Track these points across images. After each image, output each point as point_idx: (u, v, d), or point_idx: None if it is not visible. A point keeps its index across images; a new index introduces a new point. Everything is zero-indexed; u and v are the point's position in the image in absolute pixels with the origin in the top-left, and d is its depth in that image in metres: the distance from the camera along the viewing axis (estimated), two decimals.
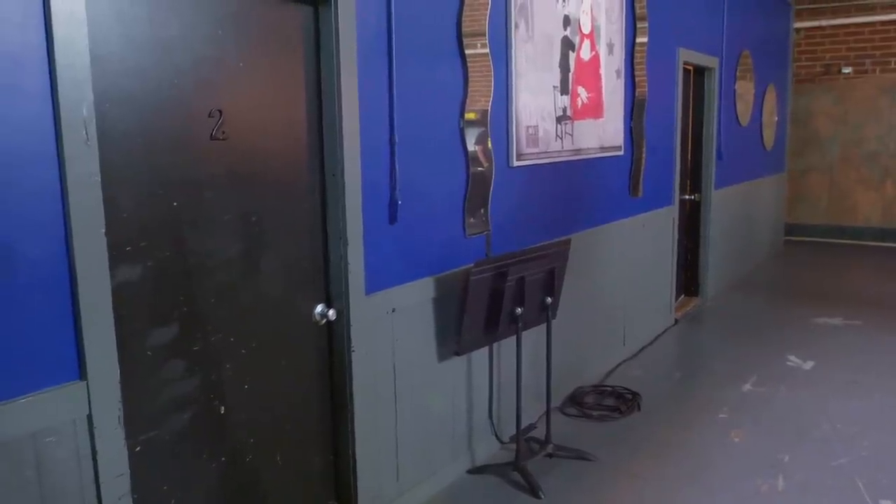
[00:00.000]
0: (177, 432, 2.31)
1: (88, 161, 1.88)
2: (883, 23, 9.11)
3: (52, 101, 1.82)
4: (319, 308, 2.74)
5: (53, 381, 1.89)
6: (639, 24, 4.90)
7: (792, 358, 5.08)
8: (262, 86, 2.49)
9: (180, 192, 2.24)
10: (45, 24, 1.79)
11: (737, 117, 7.19)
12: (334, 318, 2.77)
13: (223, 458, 2.46)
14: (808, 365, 4.94)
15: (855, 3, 9.19)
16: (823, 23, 9.42)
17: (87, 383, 1.94)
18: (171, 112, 2.19)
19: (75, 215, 1.86)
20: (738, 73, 7.08)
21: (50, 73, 1.81)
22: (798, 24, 9.42)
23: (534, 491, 3.29)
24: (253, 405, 2.55)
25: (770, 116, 8.38)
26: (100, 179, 1.91)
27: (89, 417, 1.96)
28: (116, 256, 2.04)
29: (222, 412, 2.44)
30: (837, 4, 9.30)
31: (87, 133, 1.87)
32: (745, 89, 7.36)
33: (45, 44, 1.80)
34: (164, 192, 2.19)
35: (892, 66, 9.16)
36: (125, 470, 2.06)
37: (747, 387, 4.57)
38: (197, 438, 2.38)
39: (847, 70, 9.41)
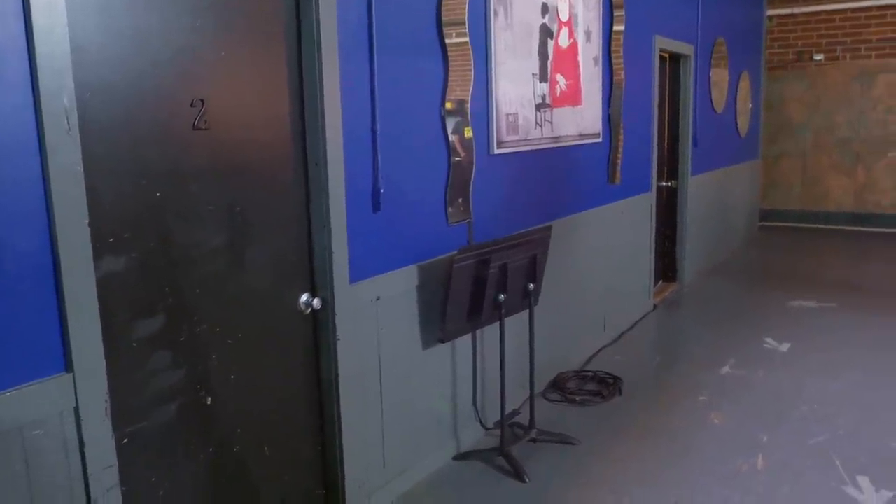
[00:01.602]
0: (164, 424, 2.30)
1: (71, 151, 1.86)
2: (853, 10, 9.23)
3: (33, 90, 1.80)
4: (304, 297, 2.74)
5: (39, 373, 1.87)
6: (616, 12, 4.93)
7: (769, 340, 5.17)
8: (245, 76, 2.48)
9: (163, 182, 2.22)
10: (24, 13, 1.77)
11: (712, 104, 7.26)
12: (319, 307, 2.77)
13: (210, 449, 2.46)
14: (785, 347, 5.03)
15: None
16: (795, 10, 9.53)
17: (74, 375, 1.93)
18: (153, 102, 2.17)
19: (58, 206, 1.85)
20: (712, 61, 7.15)
21: (30, 62, 1.79)
22: (770, 12, 9.52)
23: (519, 475, 3.32)
24: (240, 395, 2.54)
25: (744, 103, 8.47)
26: (82, 169, 1.90)
27: (76, 409, 1.95)
28: (100, 248, 2.02)
29: (209, 403, 2.43)
30: None
31: (68, 122, 1.85)
32: (719, 76, 7.43)
33: (24, 33, 1.78)
34: (147, 183, 2.17)
35: (863, 52, 9.30)
36: (113, 462, 2.05)
37: (726, 370, 4.64)
38: (184, 429, 2.37)
39: (819, 57, 9.53)
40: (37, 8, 1.77)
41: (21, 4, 1.76)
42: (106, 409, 2.02)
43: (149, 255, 2.19)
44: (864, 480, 3.23)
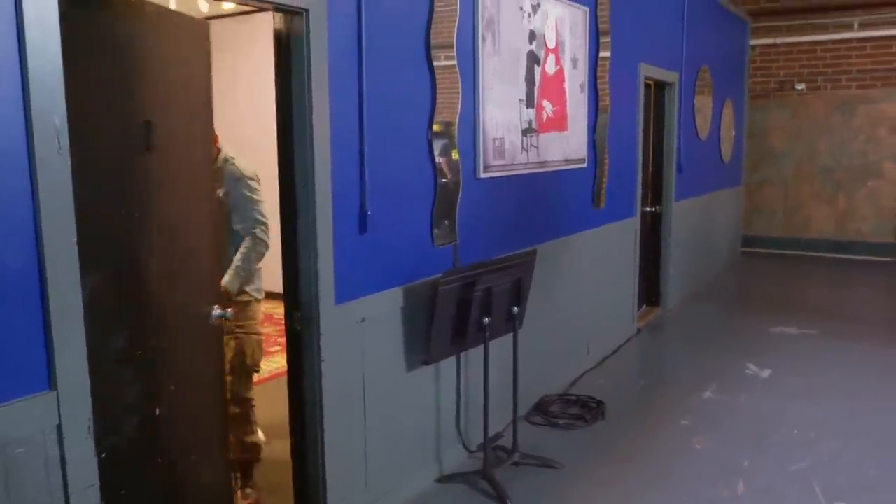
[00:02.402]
0: (136, 440, 2.30)
1: (61, 169, 1.87)
2: (834, 42, 9.42)
3: (24, 108, 1.81)
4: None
5: (23, 391, 1.87)
6: (602, 39, 5.01)
7: (750, 366, 5.21)
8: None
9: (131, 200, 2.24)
10: (18, 32, 1.79)
11: (696, 131, 7.37)
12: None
13: (174, 468, 2.45)
14: (766, 373, 5.07)
15: (809, 22, 9.49)
16: (778, 40, 9.70)
17: (58, 393, 1.93)
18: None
19: (47, 224, 1.86)
20: (696, 88, 7.26)
21: (22, 80, 1.80)
22: (754, 42, 9.68)
23: (501, 499, 3.32)
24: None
25: (727, 130, 8.60)
26: (72, 189, 1.91)
27: (59, 427, 1.94)
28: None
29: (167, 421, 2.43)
30: (791, 23, 9.59)
31: (59, 141, 1.87)
32: (703, 104, 7.54)
33: (17, 51, 1.79)
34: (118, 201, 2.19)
35: (843, 83, 9.47)
36: (94, 480, 2.04)
37: (708, 394, 4.67)
38: (158, 446, 2.37)
39: (800, 87, 9.69)
40: (30, 27, 1.79)
41: (15, 23, 1.78)
42: (89, 426, 2.01)
43: (120, 274, 2.21)
44: None
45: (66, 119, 1.88)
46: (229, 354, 3.33)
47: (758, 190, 10.07)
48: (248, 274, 3.31)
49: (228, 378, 3.34)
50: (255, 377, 3.58)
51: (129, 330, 2.28)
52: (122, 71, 2.24)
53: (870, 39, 9.22)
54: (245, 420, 3.41)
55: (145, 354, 2.37)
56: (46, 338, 1.90)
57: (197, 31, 2.57)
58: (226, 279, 3.19)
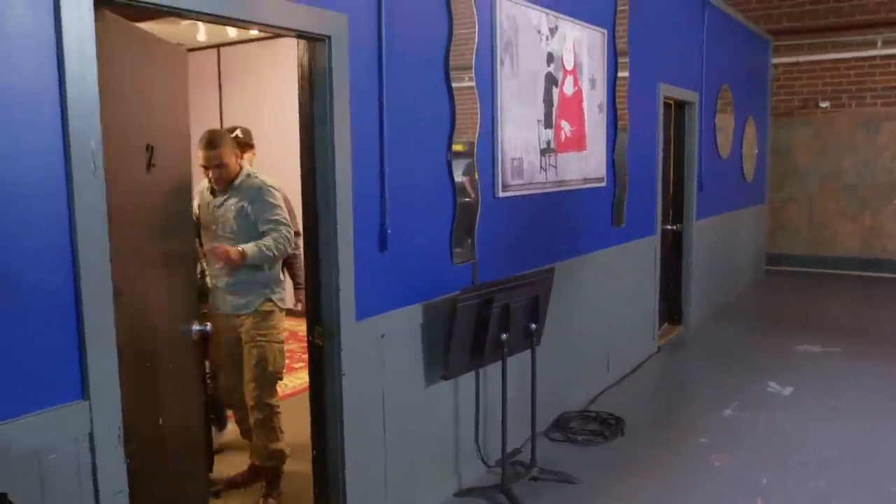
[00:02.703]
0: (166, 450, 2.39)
1: (96, 191, 1.99)
2: (857, 59, 9.40)
3: (63, 134, 1.93)
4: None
5: (58, 400, 1.97)
6: (620, 60, 5.08)
7: (772, 384, 5.20)
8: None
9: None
10: (58, 62, 1.91)
11: (717, 150, 7.39)
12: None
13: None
14: (788, 391, 5.06)
15: (831, 40, 9.49)
16: (801, 59, 9.70)
17: (90, 403, 2.02)
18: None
19: (83, 244, 1.97)
20: (718, 107, 7.29)
21: (61, 107, 1.92)
22: (776, 60, 9.69)
23: None
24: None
25: (750, 149, 8.60)
26: (106, 209, 2.02)
27: (90, 435, 2.04)
28: None
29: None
30: (814, 41, 9.59)
31: (94, 164, 1.98)
32: (724, 122, 7.57)
33: (56, 80, 1.91)
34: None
35: (868, 100, 9.44)
36: (124, 487, 2.14)
37: (728, 412, 4.67)
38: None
39: (824, 104, 9.68)
40: (70, 57, 1.91)
41: (55, 54, 1.90)
42: (119, 435, 2.11)
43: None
44: None
45: (101, 143, 1.99)
46: (252, 362, 3.44)
47: (782, 208, 10.03)
48: (264, 256, 3.35)
49: (251, 385, 3.44)
50: (280, 388, 3.67)
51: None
52: (126, 95, 2.38)
53: (894, 56, 9.19)
54: (269, 426, 3.49)
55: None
56: (80, 351, 2.01)
57: (179, 59, 2.77)
58: (247, 245, 3.33)
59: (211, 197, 3.55)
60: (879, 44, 9.20)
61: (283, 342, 3.58)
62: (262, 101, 6.99)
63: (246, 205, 3.42)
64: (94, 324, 2.01)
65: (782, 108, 9.91)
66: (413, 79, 3.20)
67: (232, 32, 5.76)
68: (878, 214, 9.48)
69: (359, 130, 2.90)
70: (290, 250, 3.52)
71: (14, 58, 1.83)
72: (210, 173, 3.44)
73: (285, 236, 3.42)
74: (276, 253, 3.39)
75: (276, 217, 3.44)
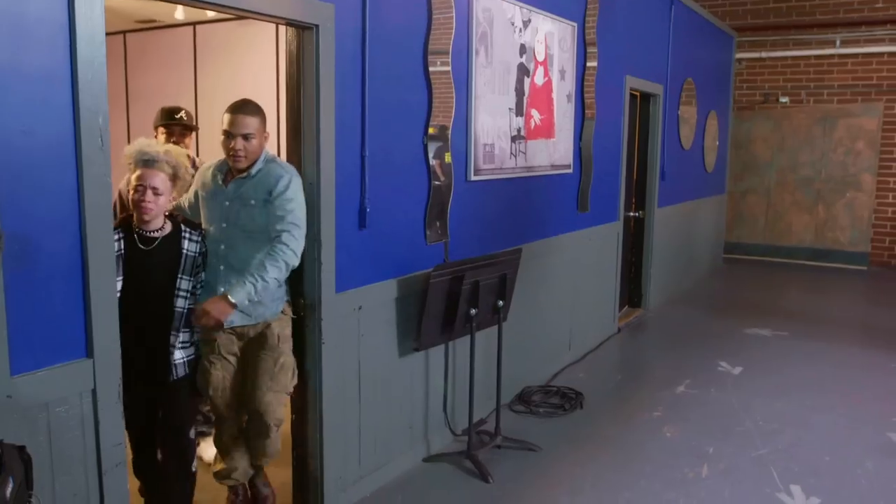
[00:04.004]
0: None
1: (102, 164, 2.15)
2: (817, 57, 9.77)
3: (73, 111, 2.09)
4: None
5: (65, 357, 2.15)
6: (588, 50, 5.30)
7: (723, 364, 5.51)
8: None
9: None
10: (70, 45, 2.06)
11: (680, 141, 7.67)
12: None
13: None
14: (737, 370, 5.37)
15: (792, 37, 9.84)
16: (763, 55, 10.04)
17: (94, 361, 2.20)
18: None
19: (90, 212, 2.13)
20: (681, 99, 7.56)
21: (72, 86, 2.08)
22: (739, 55, 10.01)
23: (484, 477, 3.60)
24: None
25: (712, 141, 8.91)
26: (111, 181, 2.18)
27: (93, 391, 2.22)
28: None
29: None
30: (776, 38, 9.93)
31: (101, 139, 2.14)
32: (688, 114, 7.85)
33: (69, 61, 2.07)
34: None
35: (825, 97, 9.82)
36: (121, 439, 2.32)
37: (681, 389, 4.96)
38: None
39: (784, 100, 10.03)
40: (81, 40, 2.07)
41: (69, 37, 2.06)
42: (119, 392, 2.28)
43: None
44: (796, 489, 3.55)
45: (108, 119, 2.16)
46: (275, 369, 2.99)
47: (742, 198, 10.40)
48: (261, 288, 2.80)
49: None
50: None
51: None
52: None
53: (851, 56, 9.58)
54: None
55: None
56: (86, 312, 2.18)
57: None
58: (235, 289, 2.74)
59: (220, 184, 2.92)
60: (838, 43, 9.56)
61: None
62: (239, 81, 7.06)
63: (264, 198, 2.83)
64: (98, 288, 2.18)
65: (744, 102, 10.26)
66: (394, 66, 3.38)
67: (179, 14, 5.80)
68: (832, 207, 9.89)
69: (342, 114, 3.08)
70: (296, 262, 2.86)
71: (32, 41, 1.99)
72: (233, 146, 2.79)
73: (292, 249, 2.80)
74: (279, 277, 2.81)
75: (293, 220, 2.82)
